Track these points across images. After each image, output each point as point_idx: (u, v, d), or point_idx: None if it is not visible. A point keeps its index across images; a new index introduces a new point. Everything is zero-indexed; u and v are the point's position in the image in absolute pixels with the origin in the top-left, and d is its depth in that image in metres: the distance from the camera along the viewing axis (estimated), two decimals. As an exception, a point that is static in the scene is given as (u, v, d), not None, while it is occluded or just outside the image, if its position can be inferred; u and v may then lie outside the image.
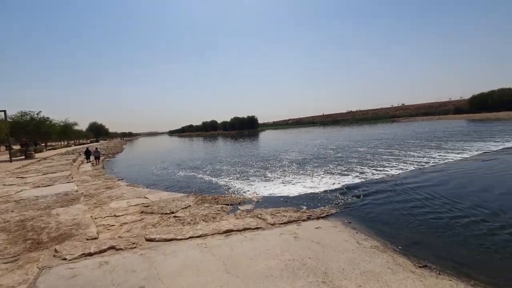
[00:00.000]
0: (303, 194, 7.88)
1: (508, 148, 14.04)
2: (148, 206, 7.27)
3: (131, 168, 18.15)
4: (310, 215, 5.69)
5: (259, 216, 5.74)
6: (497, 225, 4.72)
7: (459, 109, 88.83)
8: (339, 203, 6.66)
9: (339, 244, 4.16)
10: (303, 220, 5.41)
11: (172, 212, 6.55)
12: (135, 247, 4.27)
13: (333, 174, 10.64)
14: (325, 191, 7.99)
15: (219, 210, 6.57)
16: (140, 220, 6.00)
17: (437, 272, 3.34)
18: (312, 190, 8.31)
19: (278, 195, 8.14)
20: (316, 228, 4.91)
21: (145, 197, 8.49)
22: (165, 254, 3.96)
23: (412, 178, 8.64)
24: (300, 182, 9.68)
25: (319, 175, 10.58)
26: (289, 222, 5.27)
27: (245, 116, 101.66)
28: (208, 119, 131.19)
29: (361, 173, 10.40)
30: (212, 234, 4.62)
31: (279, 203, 7.10)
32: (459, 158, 11.88)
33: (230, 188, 9.61)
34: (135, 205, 7.48)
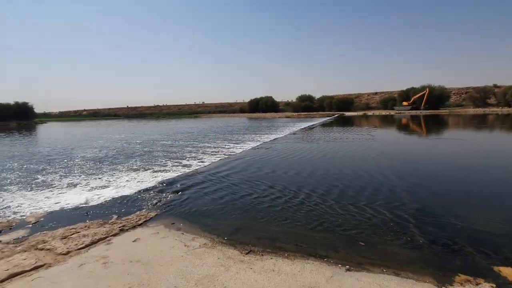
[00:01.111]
0: (110, 200, 6.37)
1: (276, 138, 19.18)
2: None
3: None
4: (123, 226, 4.56)
5: (40, 246, 3.84)
6: (296, 200, 5.99)
7: (242, 109, 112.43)
8: (157, 203, 5.92)
9: (165, 255, 3.52)
10: (115, 235, 4.23)
11: None
12: None
13: (142, 170, 9.59)
14: (139, 191, 6.92)
15: (-51, 254, 3.80)
16: None
17: (261, 254, 3.59)
18: (121, 193, 6.92)
19: (72, 206, 6.06)
20: (134, 241, 3.96)
21: None
22: None
23: (221, 167, 9.46)
24: (103, 185, 7.85)
25: (126, 174, 9.14)
26: (93, 243, 3.90)
27: (11, 102, 71.19)
28: None
29: (172, 166, 10.12)
30: None
31: (75, 218, 5.25)
32: (251, 147, 14.64)
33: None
34: None
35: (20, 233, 4.52)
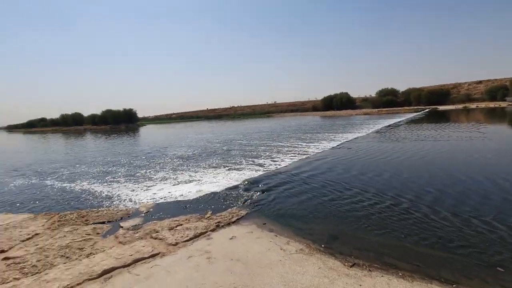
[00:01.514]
0: (202, 195, 6.84)
1: (356, 138, 17.72)
2: (-51, 247, 4.36)
3: None
4: (219, 222, 4.76)
5: (153, 234, 4.31)
6: (396, 207, 5.29)
7: (315, 107, 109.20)
8: (245, 201, 6.05)
9: (263, 256, 3.45)
10: (213, 230, 4.43)
11: (2, 251, 4.11)
12: None
13: (227, 168, 10.08)
14: (226, 189, 7.25)
15: (89, 234, 4.63)
16: None
17: (368, 269, 3.16)
18: (210, 189, 7.38)
19: (172, 199, 6.76)
20: (231, 238, 4.05)
21: None
22: None
23: (303, 168, 9.17)
24: (194, 180, 8.55)
25: (213, 171, 9.77)
26: (195, 236, 4.16)
27: (121, 109, 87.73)
28: (70, 111, 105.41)
29: (254, 165, 10.33)
30: (79, 284, 2.93)
31: (176, 210, 5.80)
32: (330, 147, 13.87)
33: (105, 198, 7.35)
34: None
35: (136, 221, 5.21)
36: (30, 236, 4.68)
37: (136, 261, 3.38)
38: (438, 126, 21.74)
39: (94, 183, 9.17)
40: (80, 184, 9.13)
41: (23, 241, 4.49)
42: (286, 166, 9.83)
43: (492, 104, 56.28)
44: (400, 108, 71.76)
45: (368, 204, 5.37)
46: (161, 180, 8.94)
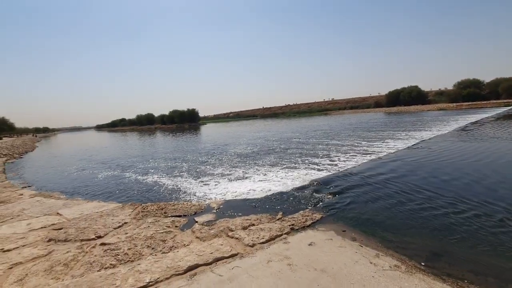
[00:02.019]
0: (269, 194, 6.69)
1: (439, 135, 15.51)
2: (61, 228, 5.08)
3: (43, 170, 14.27)
4: (292, 225, 4.50)
5: (229, 233, 4.28)
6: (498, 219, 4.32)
7: (378, 103, 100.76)
8: (317, 203, 5.67)
9: (351, 269, 3.06)
10: (288, 233, 4.19)
11: (99, 237, 4.59)
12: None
13: (289, 167, 9.77)
14: (293, 189, 6.95)
15: (169, 227, 4.87)
16: (45, 256, 3.92)
17: (495, 301, 2.51)
18: (276, 188, 7.21)
19: (240, 197, 6.78)
20: (310, 244, 3.74)
21: (57, 213, 6.12)
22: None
23: (376, 169, 8.30)
24: (258, 178, 8.50)
25: (274, 169, 9.58)
26: (271, 239, 3.97)
27: (185, 109, 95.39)
28: (143, 112, 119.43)
29: (318, 164, 9.80)
30: (168, 278, 3.00)
31: (246, 208, 5.75)
32: (405, 146, 12.40)
33: (177, 192, 7.81)
34: (41, 228, 5.19)
35: (209, 216, 5.31)
36: (120, 224, 5.14)
37: (217, 260, 3.35)
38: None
39: (165, 177, 9.90)
40: (153, 178, 9.95)
41: (115, 228, 4.96)
42: (356, 167, 9.06)
43: None
44: (485, 102, 61.08)
45: (472, 216, 4.44)
46: (225, 176, 9.13)
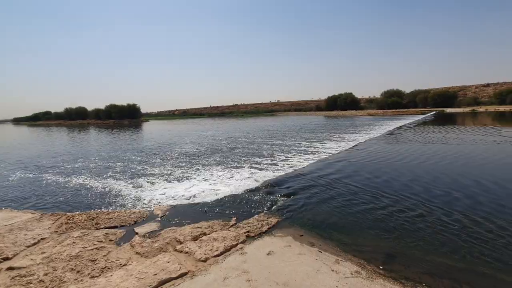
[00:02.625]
0: (220, 197, 6.24)
1: (373, 138, 17.09)
2: None
3: None
4: (248, 232, 4.17)
5: (177, 246, 3.72)
6: (446, 219, 4.69)
7: (319, 107, 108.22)
8: (271, 206, 5.45)
9: (314, 280, 2.86)
10: (243, 242, 3.83)
11: (6, 258, 3.55)
12: None
13: (240, 168, 9.49)
14: (246, 191, 6.64)
15: (101, 241, 4.05)
16: None
17: (451, 303, 2.57)
18: (226, 190, 6.81)
19: (188, 201, 6.18)
20: (268, 254, 3.45)
21: None
22: None
23: (325, 170, 8.55)
24: (207, 180, 7.98)
25: (225, 171, 9.18)
26: (226, 250, 3.56)
27: (125, 104, 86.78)
28: (73, 106, 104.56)
29: (269, 165, 9.75)
30: (97, 315, 2.34)
31: (195, 214, 5.22)
32: (342, 148, 13.24)
33: (112, 196, 6.78)
34: None
35: (153, 226, 4.63)
36: (36, 241, 4.11)
37: (163, 283, 2.79)
38: (457, 129, 21.02)
39: (97, 179, 8.60)
40: (82, 180, 8.56)
41: (28, 246, 3.92)
42: (304, 167, 9.22)
43: (502, 108, 55.33)
44: (405, 109, 70.78)
45: (416, 215, 4.75)
46: (170, 178, 8.35)
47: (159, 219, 5.00)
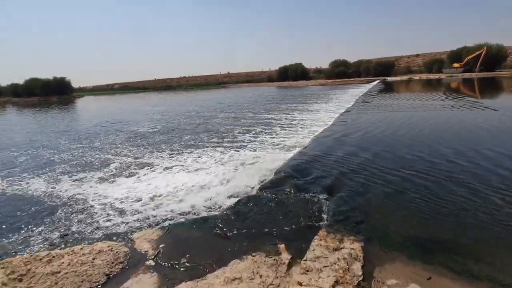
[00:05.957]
0: (233, 203, 4.29)
1: (350, 110, 16.29)
2: None
3: None
4: (329, 277, 2.42)
5: None
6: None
7: (271, 78, 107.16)
8: (318, 213, 3.73)
9: None
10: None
11: None
12: None
13: (222, 151, 7.55)
14: (261, 188, 4.79)
15: None
16: None
17: None
18: (236, 187, 4.83)
19: (191, 216, 4.09)
20: None
21: None
22: None
23: (336, 148, 7.07)
24: (193, 170, 5.93)
25: (207, 156, 7.15)
26: None
27: (50, 78, 71.14)
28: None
29: (258, 143, 8.01)
30: None
31: (211, 243, 3.25)
32: (335, 119, 12.02)
33: (57, 216, 4.28)
34: None
35: (145, 283, 2.55)
36: None
37: None
38: (415, 96, 21.74)
39: (26, 180, 5.76)
40: (7, 185, 5.63)
41: None
42: (307, 146, 7.62)
43: (431, 76, 61.57)
44: (352, 79, 73.99)
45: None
46: (134, 170, 5.96)
47: (152, 261, 2.90)
